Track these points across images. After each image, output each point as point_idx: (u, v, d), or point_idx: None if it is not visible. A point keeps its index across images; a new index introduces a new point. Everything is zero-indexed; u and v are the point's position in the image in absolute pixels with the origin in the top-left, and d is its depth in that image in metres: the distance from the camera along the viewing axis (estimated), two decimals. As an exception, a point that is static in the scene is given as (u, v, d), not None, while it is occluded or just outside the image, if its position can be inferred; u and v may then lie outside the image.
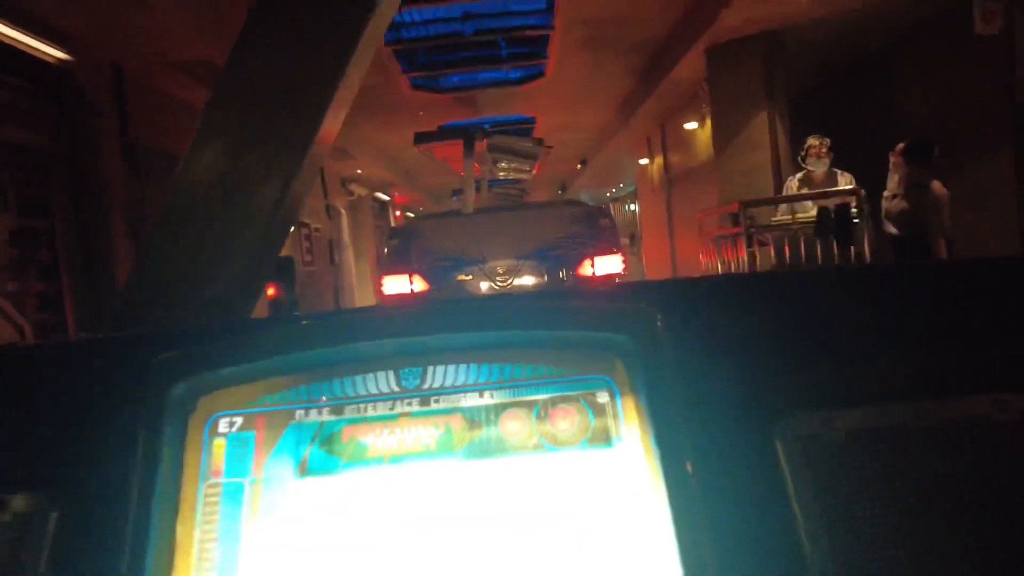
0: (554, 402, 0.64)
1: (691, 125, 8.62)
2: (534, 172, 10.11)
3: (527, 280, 6.97)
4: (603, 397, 0.64)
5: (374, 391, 0.65)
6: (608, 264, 7.06)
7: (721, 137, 6.78)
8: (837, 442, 0.61)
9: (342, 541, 0.60)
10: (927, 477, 0.60)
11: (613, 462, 0.62)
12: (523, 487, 0.61)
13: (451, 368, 0.66)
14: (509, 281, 6.93)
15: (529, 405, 0.64)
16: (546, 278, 6.92)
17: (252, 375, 0.65)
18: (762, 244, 5.69)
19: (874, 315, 0.68)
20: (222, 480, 0.63)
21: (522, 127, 10.99)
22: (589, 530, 0.59)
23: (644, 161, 11.62)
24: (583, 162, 15.40)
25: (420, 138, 7.95)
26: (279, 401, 0.65)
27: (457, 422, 0.64)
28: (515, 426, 0.64)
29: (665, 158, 10.48)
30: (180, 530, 0.61)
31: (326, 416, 0.65)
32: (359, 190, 12.90)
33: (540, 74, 8.36)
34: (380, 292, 7.24)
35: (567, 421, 0.64)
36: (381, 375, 0.66)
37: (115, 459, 0.63)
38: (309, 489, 0.62)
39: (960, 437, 0.61)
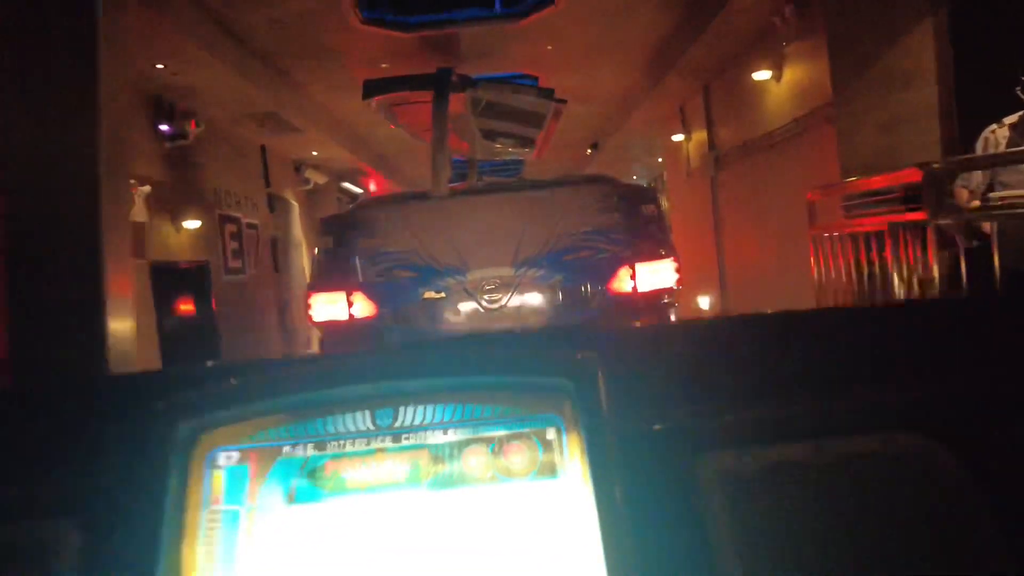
0: (509, 438, 0.74)
1: (761, 75, 6.09)
2: (534, 152, 7.58)
3: (531, 300, 4.45)
4: (551, 434, 0.73)
5: (352, 429, 0.75)
6: (656, 275, 4.56)
7: (843, 73, 4.26)
8: (749, 476, 0.70)
9: (325, 562, 0.70)
10: (827, 507, 0.69)
11: (558, 492, 0.71)
12: (480, 515, 0.71)
13: (419, 408, 0.75)
14: (503, 302, 4.40)
15: (487, 441, 0.74)
16: (561, 298, 4.40)
17: (246, 415, 0.75)
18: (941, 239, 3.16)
19: (784, 360, 0.79)
20: (221, 507, 0.72)
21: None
22: (536, 552, 0.69)
23: (677, 138, 9.09)
24: (594, 146, 12.84)
25: (372, 88, 5.42)
26: (269, 437, 0.75)
27: (424, 457, 0.74)
28: (474, 460, 0.73)
29: (710, 131, 7.95)
30: (186, 552, 0.70)
31: (311, 452, 0.74)
32: (317, 177, 10.36)
33: (548, 1, 5.86)
34: (309, 317, 4.67)
35: (519, 455, 0.73)
36: (359, 415, 0.75)
37: (128, 490, 0.70)
38: (297, 516, 0.72)
39: (855, 471, 0.71)
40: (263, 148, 8.83)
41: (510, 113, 6.07)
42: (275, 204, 9.12)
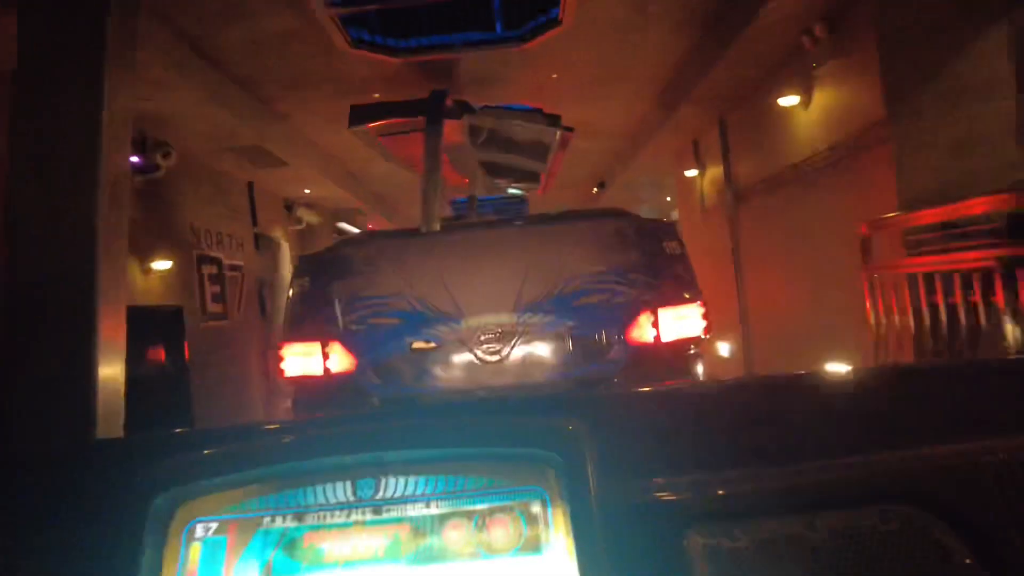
0: (492, 512, 0.71)
1: (788, 101, 5.54)
2: (539, 188, 7.02)
3: (537, 351, 3.82)
4: (536, 507, 0.71)
5: (332, 500, 0.72)
6: (682, 322, 3.93)
7: (899, 89, 3.68)
8: (740, 551, 0.67)
9: None
10: None
11: (541, 569, 0.68)
12: None
13: (401, 480, 0.73)
14: (504, 353, 3.76)
15: (469, 515, 0.71)
16: (571, 349, 3.76)
17: (226, 484, 0.72)
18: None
19: (776, 428, 0.76)
20: None
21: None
22: None
23: (691, 173, 8.54)
24: (601, 184, 12.34)
25: (359, 114, 4.88)
26: (249, 508, 0.72)
27: (404, 530, 0.71)
28: (455, 535, 0.71)
29: (727, 165, 7.40)
30: None
31: (290, 523, 0.72)
32: (310, 217, 9.82)
33: (553, 22, 5.37)
34: (279, 370, 4.03)
35: (502, 530, 0.70)
36: (339, 485, 0.73)
37: (98, 563, 0.67)
38: None
39: (850, 546, 0.67)
40: (250, 185, 8.30)
41: (513, 143, 5.52)
42: (263, 244, 8.55)
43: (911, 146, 3.58)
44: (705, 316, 4.09)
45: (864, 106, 4.51)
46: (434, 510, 0.72)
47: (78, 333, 0.96)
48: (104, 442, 0.87)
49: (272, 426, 0.89)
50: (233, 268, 7.60)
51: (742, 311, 7.19)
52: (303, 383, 3.99)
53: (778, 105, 5.78)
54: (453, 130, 5.06)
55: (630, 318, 3.85)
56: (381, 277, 3.91)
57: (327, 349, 3.87)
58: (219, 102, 5.73)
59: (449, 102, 4.60)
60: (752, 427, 0.77)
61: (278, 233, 9.16)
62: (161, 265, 5.86)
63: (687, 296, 4.03)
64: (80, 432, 0.89)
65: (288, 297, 4.27)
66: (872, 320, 3.39)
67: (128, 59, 1.00)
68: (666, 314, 3.87)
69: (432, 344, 3.87)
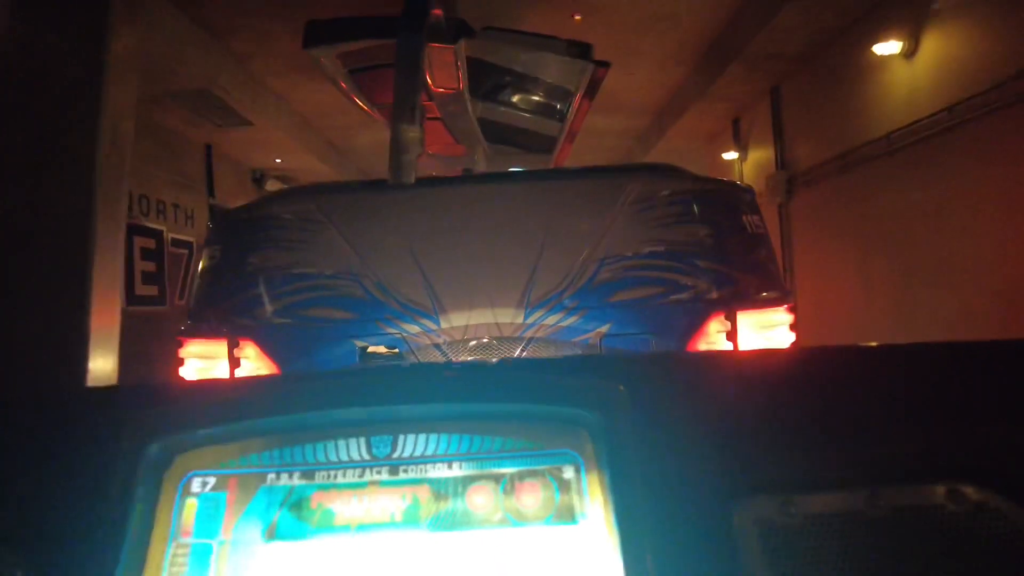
0: (521, 476, 0.65)
1: (885, 48, 4.26)
2: (554, 157, 5.66)
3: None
4: (569, 472, 0.65)
5: (345, 458, 0.67)
6: (767, 331, 2.63)
7: None
8: (793, 526, 0.63)
9: None
10: (880, 565, 0.62)
11: (577, 540, 0.62)
12: (486, 563, 0.62)
13: (421, 437, 0.67)
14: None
15: (496, 478, 0.65)
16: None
17: (227, 436, 0.67)
18: None
19: (833, 399, 0.70)
20: (191, 541, 0.63)
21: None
22: None
23: (730, 156, 7.27)
24: (614, 173, 11.09)
25: (318, 32, 3.62)
26: (252, 463, 0.67)
27: (424, 493, 0.65)
28: (481, 499, 0.65)
29: (779, 145, 6.13)
30: None
31: (297, 481, 0.66)
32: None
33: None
34: (177, 377, 2.72)
35: (533, 496, 0.64)
36: (352, 442, 0.67)
37: (85, 515, 0.63)
38: (276, 554, 0.63)
39: (914, 526, 0.63)
40: (208, 148, 7.01)
41: (523, 89, 4.24)
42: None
43: None
44: (794, 326, 2.82)
45: (1006, 49, 3.27)
46: (457, 471, 0.66)
47: (73, 282, 1.02)
48: (95, 390, 0.91)
49: (278, 377, 0.86)
50: (179, 244, 6.31)
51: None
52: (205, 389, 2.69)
53: (863, 60, 4.52)
54: (444, 63, 3.77)
55: (694, 324, 2.56)
56: (324, 248, 2.63)
57: (237, 351, 2.58)
58: (149, 24, 4.44)
59: (438, 14, 3.31)
60: (806, 397, 0.71)
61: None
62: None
63: (773, 295, 2.75)
64: (70, 380, 0.97)
65: (195, 273, 2.98)
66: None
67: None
68: (747, 320, 2.59)
69: (394, 350, 2.59)
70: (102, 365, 1.07)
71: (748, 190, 2.99)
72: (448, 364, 1.44)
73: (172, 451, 0.66)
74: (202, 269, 2.79)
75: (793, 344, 2.81)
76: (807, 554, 0.62)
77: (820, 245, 5.57)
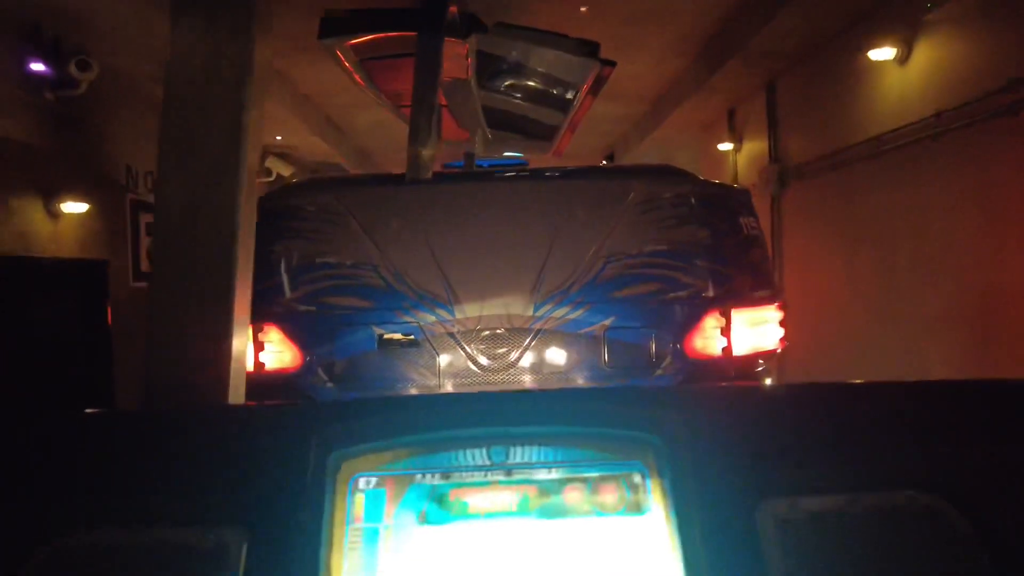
0: (603, 479, 0.89)
1: (880, 54, 4.40)
2: (554, 147, 5.77)
3: (557, 359, 2.69)
4: (637, 478, 0.89)
5: (472, 463, 0.90)
6: (759, 328, 2.82)
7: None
8: (798, 520, 0.85)
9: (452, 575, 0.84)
10: (860, 550, 0.84)
11: (644, 527, 0.87)
12: (580, 543, 0.86)
13: (528, 448, 0.91)
14: (512, 358, 2.63)
15: (584, 480, 0.89)
16: (607, 358, 2.65)
17: (383, 447, 0.91)
18: None
19: (829, 424, 0.95)
20: (363, 525, 0.87)
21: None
22: None
23: (725, 147, 7.41)
24: (609, 158, 11.19)
25: (334, 25, 3.69)
26: (403, 467, 0.90)
27: (532, 490, 0.89)
28: (573, 495, 0.88)
29: (774, 138, 6.28)
30: (334, 563, 0.84)
31: (438, 480, 0.89)
32: (281, 168, 8.58)
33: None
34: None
35: (611, 494, 0.88)
36: (477, 451, 0.91)
37: (288, 505, 0.85)
38: (427, 535, 0.87)
39: (882, 524, 0.85)
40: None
41: (530, 82, 4.35)
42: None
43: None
44: (783, 322, 3.01)
45: (996, 61, 3.42)
46: (555, 475, 0.90)
47: (220, 273, 1.32)
48: (293, 406, 1.23)
49: (421, 400, 1.23)
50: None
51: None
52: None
53: (858, 63, 4.66)
54: (455, 56, 3.87)
55: (691, 319, 2.74)
56: (344, 239, 2.78)
57: (261, 336, 2.74)
58: (155, 3, 4.49)
59: (453, 11, 3.41)
60: (808, 423, 0.94)
61: (242, 184, 7.93)
62: (74, 207, 4.64)
63: (765, 293, 2.93)
64: (216, 356, 1.29)
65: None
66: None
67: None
68: (741, 317, 2.77)
69: (410, 337, 2.75)
70: (238, 345, 1.34)
71: (746, 192, 3.16)
72: (548, 392, 1.75)
73: (343, 459, 0.88)
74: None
75: (781, 343, 3.00)
76: (809, 540, 0.83)
77: (810, 237, 5.76)
